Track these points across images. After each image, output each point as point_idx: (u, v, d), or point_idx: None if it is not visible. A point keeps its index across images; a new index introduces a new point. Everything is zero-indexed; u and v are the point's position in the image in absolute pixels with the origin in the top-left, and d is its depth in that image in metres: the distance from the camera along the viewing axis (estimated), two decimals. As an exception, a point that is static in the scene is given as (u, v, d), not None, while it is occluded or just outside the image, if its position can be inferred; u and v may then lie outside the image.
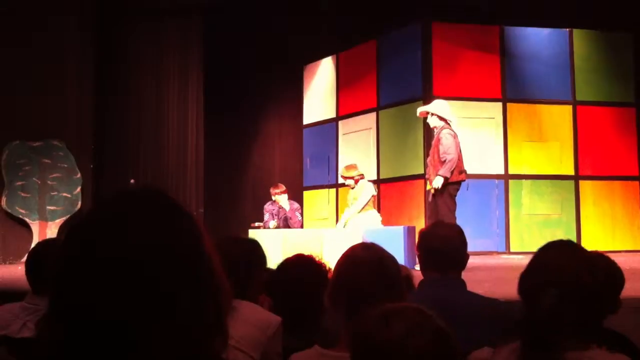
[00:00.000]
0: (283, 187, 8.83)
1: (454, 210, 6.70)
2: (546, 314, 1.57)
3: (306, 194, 11.51)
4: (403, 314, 1.26)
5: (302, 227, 9.08)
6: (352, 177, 7.81)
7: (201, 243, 0.94)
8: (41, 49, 9.51)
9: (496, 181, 9.55)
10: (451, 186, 6.73)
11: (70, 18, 9.76)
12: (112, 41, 10.54)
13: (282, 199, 8.74)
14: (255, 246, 2.55)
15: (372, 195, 7.82)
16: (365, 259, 1.82)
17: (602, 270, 2.15)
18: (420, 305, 1.31)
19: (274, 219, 8.74)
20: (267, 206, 8.93)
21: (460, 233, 2.74)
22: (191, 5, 10.76)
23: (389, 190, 9.77)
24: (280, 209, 8.74)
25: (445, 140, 6.81)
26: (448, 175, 6.71)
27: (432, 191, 6.80)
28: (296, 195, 10.45)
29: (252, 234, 7.76)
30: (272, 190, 8.84)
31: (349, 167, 7.99)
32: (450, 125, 6.94)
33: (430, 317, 1.27)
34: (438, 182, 6.69)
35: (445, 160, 6.73)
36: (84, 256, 0.88)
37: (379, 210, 8.26)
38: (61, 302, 0.88)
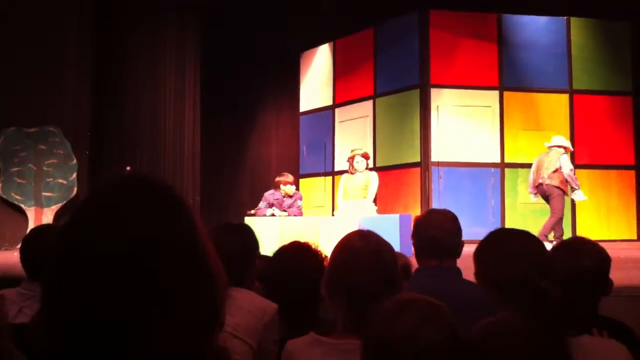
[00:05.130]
0: (291, 178, 8.52)
1: None
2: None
3: (302, 182, 11.50)
4: (415, 305, 1.26)
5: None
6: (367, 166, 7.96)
7: (197, 233, 0.93)
8: (38, 36, 9.44)
9: (492, 169, 9.55)
10: None
11: (70, 9, 9.70)
12: (110, 29, 10.47)
13: (289, 190, 8.44)
14: (249, 232, 2.53)
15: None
16: (362, 249, 1.79)
17: (589, 253, 2.16)
18: (429, 296, 1.31)
19: (271, 208, 8.54)
20: (268, 195, 8.61)
21: (454, 220, 2.74)
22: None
23: (385, 178, 9.76)
24: (284, 198, 8.42)
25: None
26: None
27: None
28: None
29: (248, 221, 7.72)
30: (283, 179, 8.43)
31: (367, 155, 8.11)
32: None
33: (441, 308, 1.28)
34: None
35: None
36: (82, 252, 0.87)
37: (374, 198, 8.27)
38: (58, 299, 0.86)
